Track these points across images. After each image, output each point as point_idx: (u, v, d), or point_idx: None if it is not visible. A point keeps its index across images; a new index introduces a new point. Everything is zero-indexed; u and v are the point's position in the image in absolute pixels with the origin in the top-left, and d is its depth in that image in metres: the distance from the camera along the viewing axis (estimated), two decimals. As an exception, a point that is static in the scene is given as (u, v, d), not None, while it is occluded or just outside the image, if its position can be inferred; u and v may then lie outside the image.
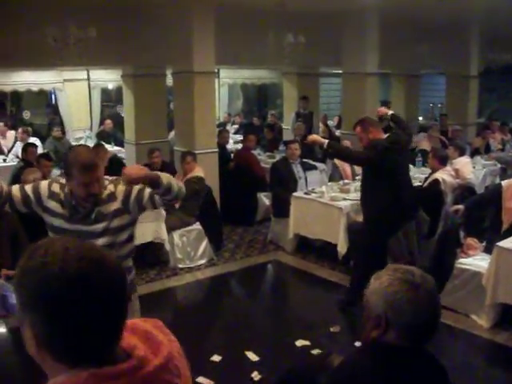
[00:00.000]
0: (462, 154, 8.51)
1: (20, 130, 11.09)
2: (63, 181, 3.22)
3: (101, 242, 3.11)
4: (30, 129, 11.64)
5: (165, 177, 3.09)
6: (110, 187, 3.19)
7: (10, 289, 1.68)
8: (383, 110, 6.03)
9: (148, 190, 3.17)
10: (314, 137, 5.71)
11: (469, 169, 8.38)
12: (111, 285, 1.18)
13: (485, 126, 12.89)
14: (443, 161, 7.12)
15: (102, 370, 1.15)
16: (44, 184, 3.26)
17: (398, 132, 5.76)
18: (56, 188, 3.20)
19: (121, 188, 3.19)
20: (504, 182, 6.20)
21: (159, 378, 1.22)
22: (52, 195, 3.18)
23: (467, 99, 13.40)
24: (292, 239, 7.57)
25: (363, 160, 5.55)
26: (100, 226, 3.16)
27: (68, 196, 3.15)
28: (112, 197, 3.18)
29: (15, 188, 3.24)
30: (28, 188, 3.23)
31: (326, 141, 5.53)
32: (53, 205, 3.17)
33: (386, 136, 5.64)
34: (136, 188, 3.18)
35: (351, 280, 5.92)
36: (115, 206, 3.17)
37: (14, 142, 10.93)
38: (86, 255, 1.16)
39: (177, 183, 3.19)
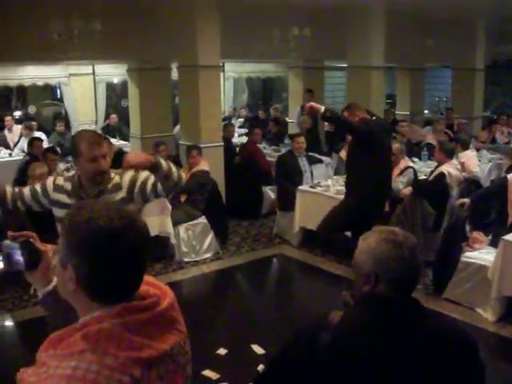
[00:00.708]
0: (465, 147, 8.47)
1: (23, 125, 11.10)
2: (68, 174, 3.42)
3: None
4: (33, 123, 11.67)
5: (165, 162, 3.21)
6: (116, 178, 3.29)
7: (15, 247, 1.84)
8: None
9: (150, 182, 3.27)
10: (310, 104, 5.72)
11: (475, 162, 8.36)
12: (141, 239, 1.45)
13: (492, 121, 12.82)
14: (450, 154, 7.09)
15: (132, 304, 1.44)
16: (50, 179, 3.45)
17: (381, 118, 5.85)
18: (60, 181, 3.37)
19: (126, 178, 3.29)
20: (510, 176, 6.19)
21: (169, 314, 1.52)
22: (57, 188, 3.33)
23: (473, 93, 13.34)
24: (297, 233, 7.58)
25: (357, 128, 5.57)
26: None
27: (76, 185, 3.28)
28: (118, 187, 3.27)
29: (26, 187, 3.49)
30: (37, 185, 3.46)
31: (323, 106, 5.56)
32: (59, 197, 3.30)
33: (371, 119, 5.70)
34: (140, 180, 3.29)
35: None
36: (121, 195, 3.26)
37: (20, 137, 10.95)
38: (124, 215, 1.44)
39: (176, 171, 3.30)
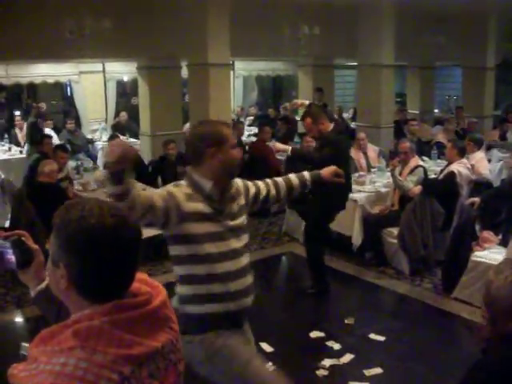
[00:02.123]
0: (479, 147, 8.30)
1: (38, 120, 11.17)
2: (183, 183, 2.84)
3: (244, 238, 2.91)
4: (49, 121, 11.81)
5: None
6: (232, 183, 2.95)
7: (7, 246, 1.82)
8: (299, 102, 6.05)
9: (264, 190, 3.17)
10: (276, 145, 5.72)
11: (484, 164, 8.21)
12: (133, 236, 1.46)
13: (503, 119, 12.76)
14: (462, 152, 7.06)
15: (123, 302, 1.43)
16: (175, 189, 2.78)
17: (339, 121, 5.85)
18: (188, 190, 2.78)
19: (240, 183, 3.02)
20: (521, 175, 6.17)
21: (161, 312, 1.52)
22: (189, 197, 2.75)
23: (483, 91, 13.28)
24: (307, 231, 7.56)
25: (327, 161, 5.52)
26: (243, 220, 2.92)
27: (213, 190, 2.79)
28: (239, 191, 2.97)
29: (156, 196, 2.69)
30: (158, 200, 2.65)
31: (290, 147, 5.61)
32: (194, 206, 2.74)
33: (331, 127, 5.65)
34: (252, 186, 3.10)
35: (312, 268, 6.13)
36: (242, 201, 2.97)
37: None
38: (115, 213, 1.44)
39: None
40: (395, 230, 6.55)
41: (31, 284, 1.95)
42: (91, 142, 11.95)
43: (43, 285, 1.92)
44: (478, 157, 8.11)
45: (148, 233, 6.33)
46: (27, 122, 11.61)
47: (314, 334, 5.12)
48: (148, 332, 1.45)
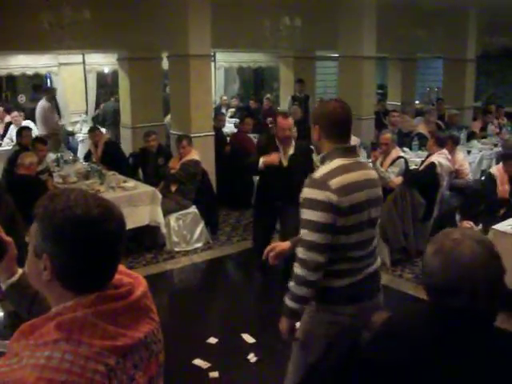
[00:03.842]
0: (456, 144, 8.17)
1: (15, 113, 11.01)
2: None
3: None
4: (22, 113, 11.67)
5: None
6: None
7: None
8: None
9: None
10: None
11: (467, 168, 8.12)
12: (119, 227, 1.45)
13: (485, 110, 12.84)
14: (442, 143, 7.10)
15: (106, 293, 1.42)
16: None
17: None
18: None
19: None
20: (493, 170, 6.35)
21: (142, 303, 1.51)
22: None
23: (464, 83, 13.38)
24: (288, 222, 7.57)
25: None
26: None
27: None
28: None
29: None
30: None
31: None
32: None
33: None
34: None
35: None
36: None
37: (8, 126, 10.85)
38: (101, 204, 1.42)
39: None
40: (376, 221, 6.58)
41: (2, 277, 1.89)
42: (71, 134, 11.85)
43: (15, 278, 1.88)
44: (460, 159, 8.05)
45: (130, 224, 6.34)
46: (105, 106, 11.60)
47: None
48: (131, 323, 1.44)
